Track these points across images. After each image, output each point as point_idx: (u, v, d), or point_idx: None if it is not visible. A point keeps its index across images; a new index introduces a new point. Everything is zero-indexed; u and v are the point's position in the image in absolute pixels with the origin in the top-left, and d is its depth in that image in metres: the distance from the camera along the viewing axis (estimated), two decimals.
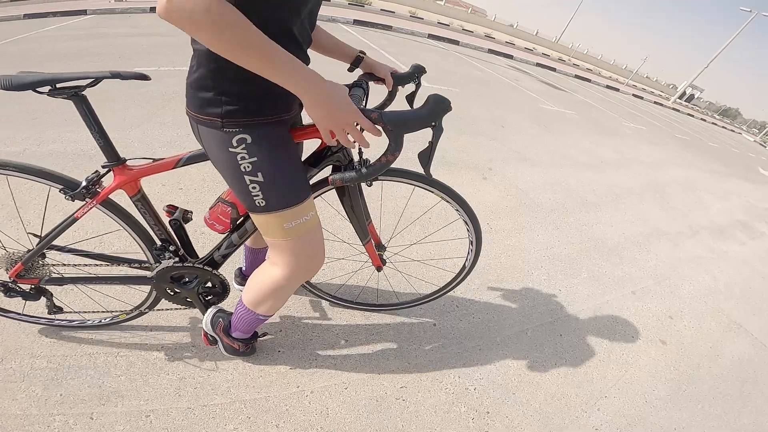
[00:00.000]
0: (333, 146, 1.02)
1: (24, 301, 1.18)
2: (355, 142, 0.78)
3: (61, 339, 1.30)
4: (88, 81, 0.87)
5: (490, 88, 6.83)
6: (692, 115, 19.08)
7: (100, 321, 1.32)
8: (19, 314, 1.28)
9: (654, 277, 2.52)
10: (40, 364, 1.22)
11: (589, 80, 15.05)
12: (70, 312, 1.33)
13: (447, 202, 1.20)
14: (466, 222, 1.26)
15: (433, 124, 0.76)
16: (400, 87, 1.15)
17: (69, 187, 0.97)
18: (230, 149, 0.82)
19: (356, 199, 1.18)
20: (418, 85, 1.16)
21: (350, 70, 1.15)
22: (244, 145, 0.81)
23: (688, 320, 2.20)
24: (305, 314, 1.57)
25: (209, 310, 1.24)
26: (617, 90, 15.91)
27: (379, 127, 0.75)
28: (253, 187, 0.86)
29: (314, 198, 1.13)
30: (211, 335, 1.26)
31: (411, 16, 21.32)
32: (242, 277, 1.58)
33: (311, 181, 1.09)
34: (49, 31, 6.31)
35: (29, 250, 1.10)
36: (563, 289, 2.13)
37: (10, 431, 1.06)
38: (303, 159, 1.06)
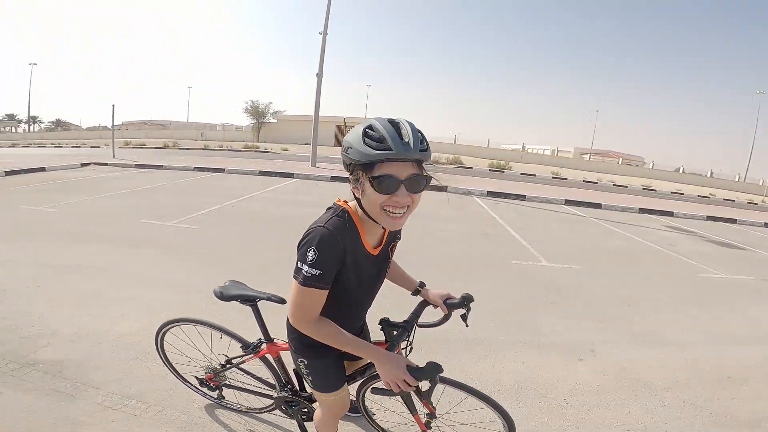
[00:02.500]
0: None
1: (204, 387, 2.10)
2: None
3: (203, 407, 2.16)
4: (261, 298, 1.76)
5: (628, 260, 6.29)
6: None
7: (239, 407, 2.13)
8: (193, 387, 2.19)
9: None
10: (180, 417, 2.09)
11: None
12: (226, 400, 2.16)
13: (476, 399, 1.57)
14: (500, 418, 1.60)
15: (429, 379, 1.26)
16: (455, 310, 1.57)
17: (245, 346, 1.86)
18: (297, 361, 1.49)
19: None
20: (468, 309, 1.60)
21: (413, 294, 1.66)
22: (303, 364, 1.47)
23: None
24: None
25: None
26: None
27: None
28: (306, 376, 1.53)
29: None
30: None
31: (553, 177, 22.18)
32: None
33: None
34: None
35: (222, 366, 2.01)
36: None
37: None
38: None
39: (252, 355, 1.85)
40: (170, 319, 2.02)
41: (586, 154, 40.46)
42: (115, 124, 18.54)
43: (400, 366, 1.19)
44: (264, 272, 4.36)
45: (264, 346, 1.84)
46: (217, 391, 2.10)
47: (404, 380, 1.19)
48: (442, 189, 11.73)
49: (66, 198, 7.73)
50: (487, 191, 12.38)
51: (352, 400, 1.72)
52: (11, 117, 57.19)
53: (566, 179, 21.73)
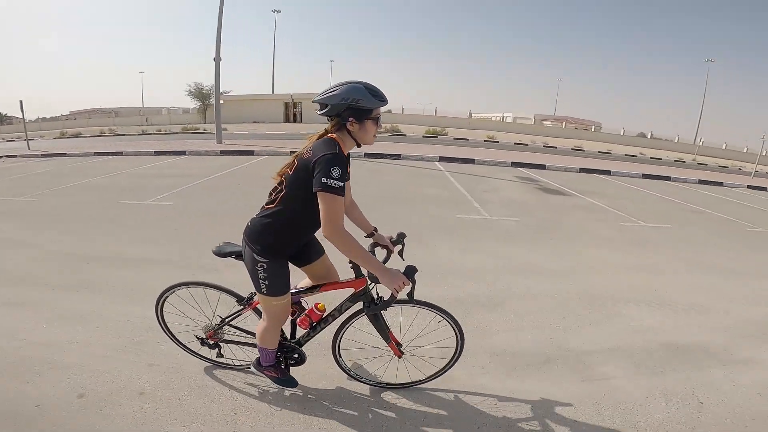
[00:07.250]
0: (363, 289, 1.95)
1: (204, 347, 2.30)
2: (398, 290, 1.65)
3: (201, 369, 2.37)
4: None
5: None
6: None
7: (239, 365, 2.36)
8: (193, 352, 2.41)
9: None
10: (183, 382, 2.27)
11: None
12: (225, 358, 2.36)
13: (433, 312, 2.05)
14: (452, 327, 2.08)
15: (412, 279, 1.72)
16: (399, 246, 2.11)
17: (239, 300, 2.14)
18: (256, 267, 1.80)
19: (378, 320, 2.08)
20: (402, 245, 2.13)
21: (366, 237, 2.12)
22: (262, 268, 1.79)
23: None
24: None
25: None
26: None
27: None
28: (262, 282, 1.83)
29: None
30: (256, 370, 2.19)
31: (486, 140, 22.88)
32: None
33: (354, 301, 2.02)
34: (142, 170, 10.01)
35: (217, 325, 2.24)
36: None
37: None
38: (350, 295, 2.00)
39: (246, 307, 2.13)
40: (171, 284, 2.24)
41: (547, 120, 41.12)
42: (63, 113, 18.16)
43: (397, 273, 1.67)
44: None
45: (256, 297, 2.06)
46: (217, 349, 2.32)
47: (403, 281, 1.65)
48: None
49: None
50: (439, 157, 13.09)
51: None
52: None
53: (497, 142, 22.47)
